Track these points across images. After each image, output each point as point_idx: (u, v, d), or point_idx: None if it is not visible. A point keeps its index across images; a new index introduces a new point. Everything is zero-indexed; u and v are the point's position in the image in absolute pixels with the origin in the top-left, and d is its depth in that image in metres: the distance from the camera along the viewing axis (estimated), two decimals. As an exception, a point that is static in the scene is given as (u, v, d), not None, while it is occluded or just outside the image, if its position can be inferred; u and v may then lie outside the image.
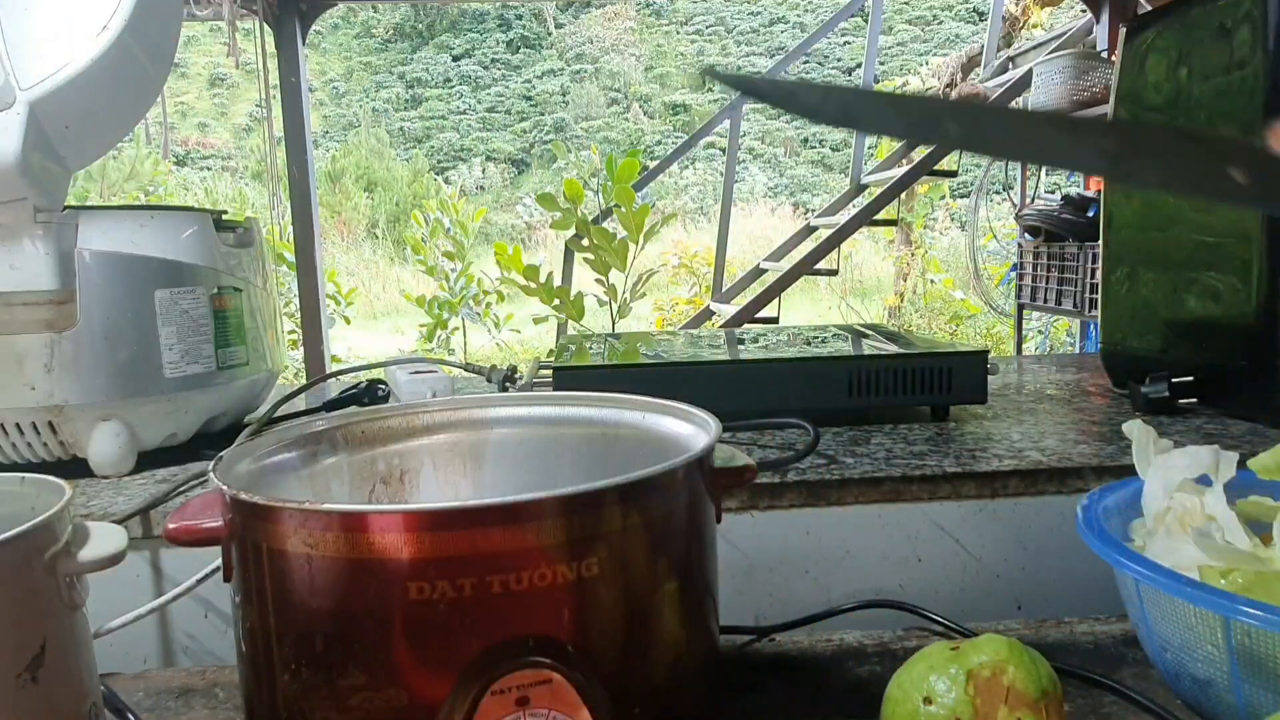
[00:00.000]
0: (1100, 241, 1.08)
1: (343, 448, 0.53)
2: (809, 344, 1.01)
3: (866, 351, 0.91)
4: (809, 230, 4.49)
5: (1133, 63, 1.00)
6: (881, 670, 0.56)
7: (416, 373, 0.94)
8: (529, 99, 14.70)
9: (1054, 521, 0.73)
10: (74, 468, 0.78)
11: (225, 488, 0.39)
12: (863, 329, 1.10)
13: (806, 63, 14.12)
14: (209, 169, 12.16)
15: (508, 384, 1.04)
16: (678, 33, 15.76)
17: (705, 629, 0.44)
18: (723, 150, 9.76)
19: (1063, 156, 0.27)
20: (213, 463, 0.43)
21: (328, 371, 2.34)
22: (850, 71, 13.63)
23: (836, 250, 3.86)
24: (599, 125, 14.06)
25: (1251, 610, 0.40)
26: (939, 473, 0.72)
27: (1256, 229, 0.83)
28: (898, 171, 3.96)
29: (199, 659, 0.71)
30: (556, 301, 3.10)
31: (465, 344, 5.61)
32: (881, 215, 3.91)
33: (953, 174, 4.11)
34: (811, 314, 8.19)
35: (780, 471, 0.72)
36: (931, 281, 6.65)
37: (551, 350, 1.92)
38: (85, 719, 0.44)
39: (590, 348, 1.01)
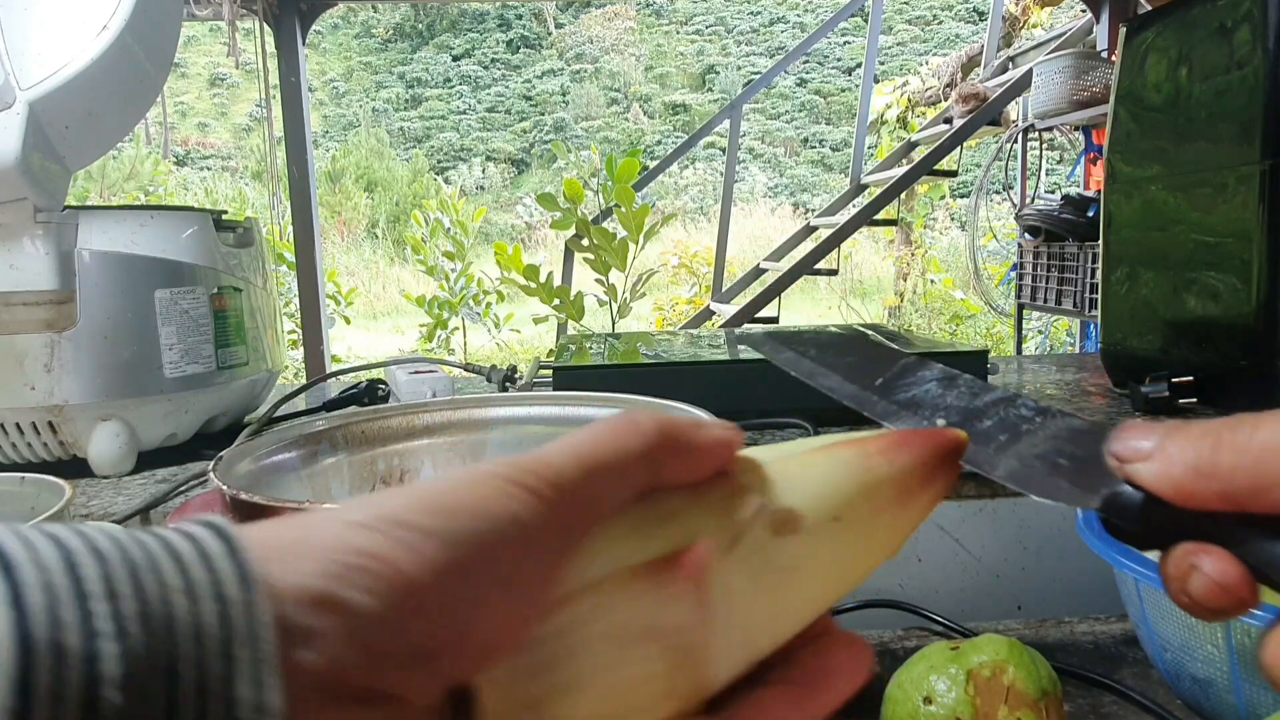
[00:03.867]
0: (1100, 241, 1.08)
1: (343, 448, 0.53)
2: (809, 344, 1.01)
3: (866, 351, 0.91)
4: (809, 230, 4.49)
5: (1133, 63, 1.00)
6: (881, 670, 0.56)
7: (416, 373, 0.94)
8: (529, 99, 14.70)
9: (1054, 521, 0.73)
10: (74, 468, 0.78)
11: (225, 488, 0.39)
12: (863, 329, 1.10)
13: (806, 62, 14.13)
14: (209, 169, 12.17)
15: (508, 384, 1.04)
16: (678, 33, 15.77)
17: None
18: (723, 150, 9.76)
19: None
20: (213, 463, 0.43)
21: (328, 371, 2.34)
22: (850, 71, 13.64)
23: (836, 250, 3.86)
24: (599, 125, 14.06)
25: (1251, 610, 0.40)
26: (939, 473, 0.72)
27: (1256, 229, 0.83)
28: (898, 171, 3.96)
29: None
30: (556, 301, 3.10)
31: (465, 344, 5.62)
32: (881, 215, 3.91)
33: (953, 174, 4.11)
34: (811, 314, 8.19)
35: (780, 471, 0.72)
36: (931, 281, 6.65)
37: (551, 350, 1.92)
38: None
39: (590, 348, 1.01)
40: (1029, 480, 0.23)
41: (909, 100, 5.73)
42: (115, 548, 0.14)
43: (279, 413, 0.93)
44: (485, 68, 15.20)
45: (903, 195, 4.45)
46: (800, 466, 0.23)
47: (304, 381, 1.11)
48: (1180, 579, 0.20)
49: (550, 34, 15.60)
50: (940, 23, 14.53)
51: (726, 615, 0.20)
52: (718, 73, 14.66)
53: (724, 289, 4.27)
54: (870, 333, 1.05)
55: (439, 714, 0.17)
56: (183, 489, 0.74)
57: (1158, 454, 0.21)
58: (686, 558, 0.19)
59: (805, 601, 0.22)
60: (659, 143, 13.28)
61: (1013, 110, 3.90)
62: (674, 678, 0.19)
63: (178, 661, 0.13)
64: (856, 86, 6.74)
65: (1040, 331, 5.07)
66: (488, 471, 0.18)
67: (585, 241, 3.10)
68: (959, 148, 3.78)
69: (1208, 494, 0.20)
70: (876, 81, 5.35)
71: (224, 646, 0.13)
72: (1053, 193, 3.67)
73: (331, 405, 0.99)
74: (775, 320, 3.72)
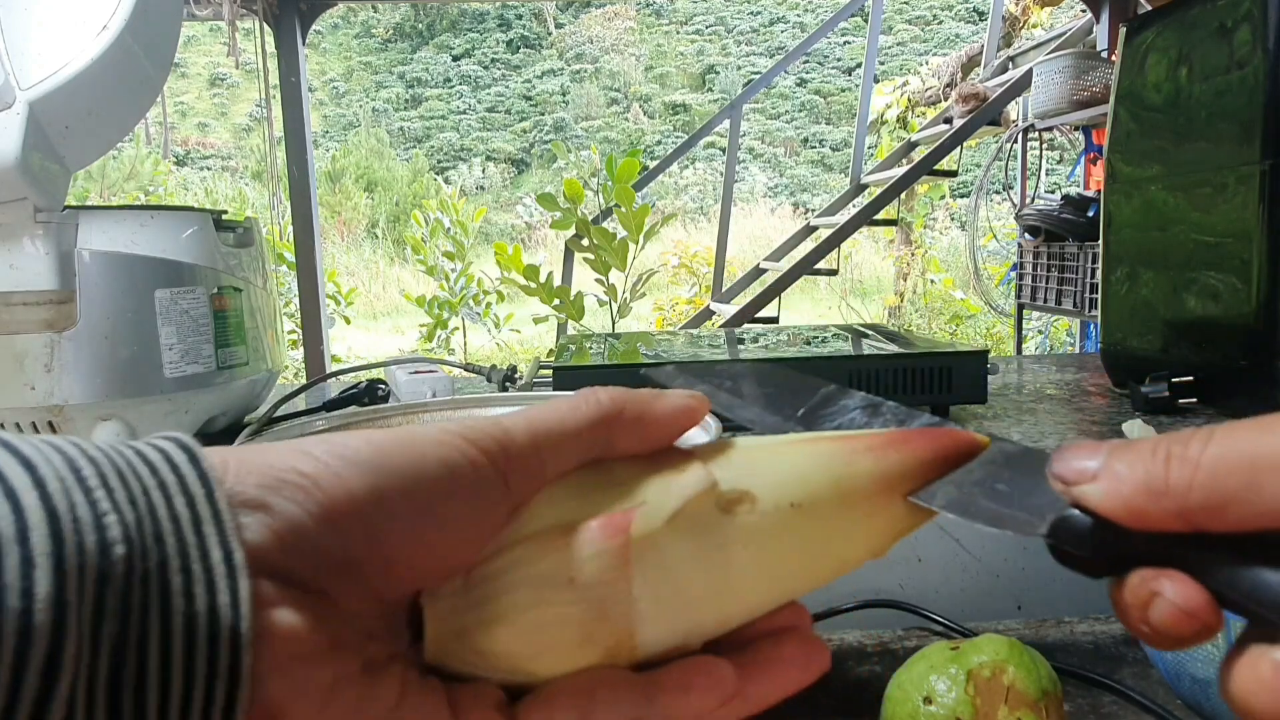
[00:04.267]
0: (1100, 241, 1.08)
1: (343, 448, 0.53)
2: (809, 344, 1.01)
3: (866, 351, 0.91)
4: (809, 230, 4.49)
5: (1133, 63, 1.00)
6: (881, 670, 0.56)
7: (416, 373, 0.94)
8: (529, 99, 14.70)
9: (1054, 521, 0.73)
10: (74, 468, 0.78)
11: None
12: (863, 329, 1.10)
13: (806, 62, 14.13)
14: (209, 169, 12.17)
15: (508, 384, 1.04)
16: (678, 33, 15.77)
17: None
18: (723, 150, 9.76)
19: None
20: (213, 463, 0.43)
21: (328, 371, 2.34)
22: (850, 71, 13.64)
23: (836, 250, 3.86)
24: (599, 125, 14.06)
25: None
26: (939, 473, 0.72)
27: (1256, 229, 0.83)
28: (898, 171, 3.96)
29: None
30: (556, 301, 3.10)
31: (465, 344, 5.62)
32: (881, 215, 3.91)
33: (953, 174, 4.11)
34: (811, 314, 8.19)
35: (780, 471, 0.72)
36: (931, 281, 6.65)
37: (551, 350, 1.92)
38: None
39: (590, 348, 1.01)
40: (970, 508, 0.22)
41: (909, 100, 5.73)
42: (103, 455, 0.18)
43: (279, 413, 0.93)
44: (485, 68, 15.20)
45: (903, 195, 4.45)
46: (771, 453, 0.23)
47: (304, 381, 1.11)
48: (1140, 606, 0.19)
49: (550, 34, 15.60)
50: (940, 23, 14.53)
51: (658, 581, 0.21)
52: (718, 73, 14.66)
53: (724, 289, 4.27)
54: (867, 329, 1.05)
55: (399, 630, 0.21)
56: (183, 489, 0.74)
57: (1104, 474, 0.20)
58: (610, 518, 0.21)
59: (756, 584, 0.22)
60: (659, 143, 13.28)
61: (1013, 110, 3.90)
62: (590, 627, 0.20)
63: (162, 533, 0.17)
64: (856, 86, 6.74)
65: (1040, 331, 5.07)
66: (445, 428, 0.21)
67: (585, 241, 3.10)
68: (959, 148, 3.78)
69: (1162, 513, 0.19)
70: (876, 81, 5.35)
71: (194, 525, 0.18)
72: (1053, 193, 3.67)
73: (331, 405, 0.99)
74: (775, 320, 3.72)
